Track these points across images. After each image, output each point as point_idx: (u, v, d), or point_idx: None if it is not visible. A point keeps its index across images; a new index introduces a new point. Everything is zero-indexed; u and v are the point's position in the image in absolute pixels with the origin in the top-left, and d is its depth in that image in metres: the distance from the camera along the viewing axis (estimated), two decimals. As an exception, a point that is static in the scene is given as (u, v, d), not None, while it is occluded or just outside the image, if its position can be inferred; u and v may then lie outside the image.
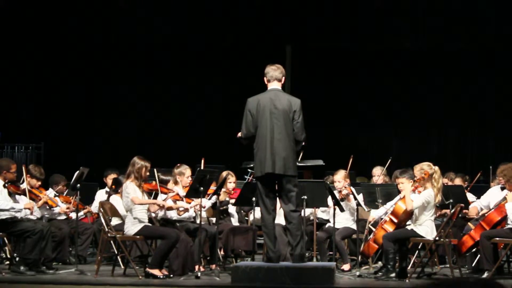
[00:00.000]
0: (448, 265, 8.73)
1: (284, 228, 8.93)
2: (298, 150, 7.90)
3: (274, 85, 7.83)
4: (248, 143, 7.80)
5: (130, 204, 8.39)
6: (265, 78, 7.90)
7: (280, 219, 8.39)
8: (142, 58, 15.01)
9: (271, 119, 7.64)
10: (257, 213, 9.81)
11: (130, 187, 8.38)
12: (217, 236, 8.76)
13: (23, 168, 9.35)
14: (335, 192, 9.20)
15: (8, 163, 8.95)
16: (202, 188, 8.43)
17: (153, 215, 8.82)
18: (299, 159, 9.65)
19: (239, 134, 7.90)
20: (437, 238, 8.33)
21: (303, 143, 7.81)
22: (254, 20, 14.63)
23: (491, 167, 9.86)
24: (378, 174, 10.19)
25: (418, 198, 8.32)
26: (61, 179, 10.12)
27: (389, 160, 10.56)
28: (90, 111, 15.04)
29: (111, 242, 9.18)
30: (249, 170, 10.59)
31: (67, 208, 9.87)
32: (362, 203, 9.17)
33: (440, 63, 14.88)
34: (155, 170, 8.60)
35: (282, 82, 7.89)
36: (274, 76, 7.83)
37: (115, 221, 9.56)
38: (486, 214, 8.81)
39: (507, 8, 13.83)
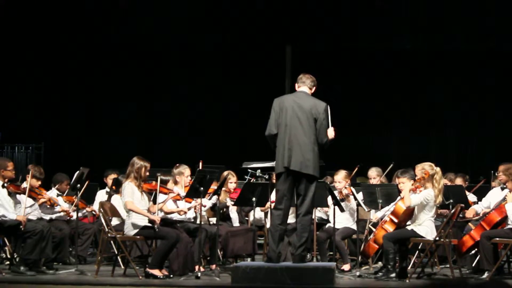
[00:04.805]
0: (448, 265, 8.73)
1: (284, 229, 8.94)
2: (323, 149, 7.84)
3: (302, 89, 7.89)
4: (274, 143, 7.79)
5: (125, 206, 8.40)
6: (296, 84, 8.00)
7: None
8: (142, 59, 15.00)
9: (292, 118, 7.66)
10: (257, 213, 9.83)
11: (128, 188, 8.37)
12: (217, 236, 8.76)
13: (25, 169, 9.36)
14: (335, 193, 9.20)
15: (4, 161, 8.93)
16: (202, 188, 8.43)
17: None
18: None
19: None
20: (437, 238, 8.33)
21: (325, 147, 7.79)
22: (254, 20, 14.62)
23: (492, 171, 9.84)
24: (374, 176, 10.15)
25: (417, 196, 8.33)
26: (64, 178, 10.11)
27: (391, 165, 10.52)
28: (90, 111, 15.03)
29: (111, 242, 9.18)
30: (249, 170, 10.58)
31: (68, 209, 9.85)
32: (362, 203, 9.16)
33: (440, 63, 14.87)
34: (158, 175, 8.58)
35: (312, 91, 7.93)
36: (305, 82, 7.93)
37: (115, 221, 9.57)
38: (486, 214, 8.80)
39: (507, 8, 13.82)
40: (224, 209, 9.61)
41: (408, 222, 8.56)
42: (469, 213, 9.13)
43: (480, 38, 14.36)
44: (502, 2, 13.94)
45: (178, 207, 9.07)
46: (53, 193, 9.92)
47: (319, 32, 14.73)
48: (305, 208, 7.64)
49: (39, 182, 9.42)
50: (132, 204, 8.32)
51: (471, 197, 9.82)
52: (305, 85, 7.91)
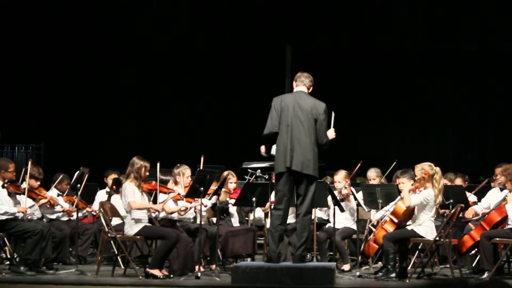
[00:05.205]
0: (448, 265, 8.73)
1: (284, 230, 8.95)
2: (323, 149, 7.82)
3: (300, 88, 7.86)
4: (270, 142, 7.77)
5: (128, 206, 8.39)
6: (294, 82, 7.98)
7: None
8: (142, 58, 15.01)
9: (293, 117, 7.66)
10: (257, 213, 9.83)
11: (129, 188, 8.37)
12: (217, 236, 8.76)
13: (24, 168, 9.35)
14: (335, 192, 9.20)
15: (6, 162, 8.94)
16: (202, 188, 8.43)
17: (153, 215, 8.81)
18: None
19: (262, 149, 7.92)
20: (437, 238, 8.33)
21: (325, 147, 7.79)
22: (254, 20, 14.63)
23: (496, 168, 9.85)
24: (373, 177, 10.14)
25: (417, 195, 8.33)
26: (64, 178, 10.11)
27: (393, 164, 10.52)
28: (90, 111, 15.03)
29: (111, 242, 9.18)
30: (249, 170, 10.58)
31: (69, 208, 9.84)
32: (362, 203, 9.16)
33: (440, 63, 14.87)
34: (158, 164, 8.57)
35: (310, 90, 7.91)
36: (303, 81, 7.91)
37: (115, 221, 9.56)
38: (486, 215, 8.80)
39: (507, 8, 13.82)
40: (225, 206, 9.60)
41: (408, 222, 8.56)
42: (468, 214, 9.13)
43: (480, 38, 14.36)
44: (502, 2, 13.94)
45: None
46: (53, 193, 9.92)
47: (319, 32, 14.72)
48: (305, 208, 7.64)
49: (38, 182, 9.41)
50: (135, 203, 8.33)
51: (472, 198, 9.82)
52: (303, 85, 7.90)
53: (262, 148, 7.96)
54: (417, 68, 14.91)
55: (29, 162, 9.23)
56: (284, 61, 14.94)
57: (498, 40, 14.30)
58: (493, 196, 9.14)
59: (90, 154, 14.00)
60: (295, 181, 7.66)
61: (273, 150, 7.91)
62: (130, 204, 8.33)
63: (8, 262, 9.32)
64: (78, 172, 9.50)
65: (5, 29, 14.36)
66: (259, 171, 10.27)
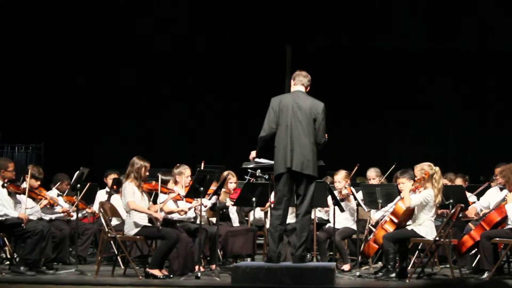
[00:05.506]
0: (448, 265, 8.73)
1: (284, 229, 8.95)
2: (319, 149, 7.83)
3: (298, 88, 7.85)
4: (265, 145, 7.77)
5: (127, 206, 8.39)
6: (292, 81, 7.96)
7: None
8: (142, 58, 15.01)
9: (292, 117, 7.65)
10: (257, 213, 9.83)
11: (128, 188, 8.38)
12: (217, 236, 8.76)
13: (24, 169, 9.36)
14: (335, 193, 9.20)
15: (6, 162, 8.94)
16: (202, 188, 8.43)
17: (158, 224, 8.78)
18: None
19: (253, 154, 7.92)
20: (437, 238, 8.33)
21: (322, 146, 7.79)
22: (254, 20, 14.63)
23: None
24: (373, 177, 10.14)
25: (417, 196, 8.33)
26: (64, 178, 10.11)
27: (393, 166, 10.53)
28: (90, 111, 15.03)
29: (111, 242, 9.18)
30: (249, 170, 10.57)
31: (68, 209, 9.84)
32: (362, 203, 9.16)
33: (440, 63, 14.87)
34: (159, 175, 8.57)
35: (307, 90, 7.90)
36: (302, 81, 7.88)
37: (115, 221, 9.57)
38: (486, 215, 8.80)
39: (507, 8, 13.82)
40: (224, 210, 9.61)
41: (408, 222, 8.56)
42: (470, 213, 9.13)
43: (480, 38, 14.36)
44: (502, 2, 13.94)
45: (178, 207, 9.07)
46: (53, 193, 9.92)
47: (319, 32, 14.73)
48: (304, 208, 7.64)
49: (38, 182, 9.41)
50: (134, 204, 8.33)
51: (472, 198, 9.81)
52: (301, 84, 7.88)
53: (253, 153, 7.97)
54: (417, 68, 14.92)
55: (29, 167, 9.25)
56: (284, 61, 14.94)
57: (498, 40, 14.30)
58: (493, 196, 9.15)
59: (90, 154, 13.99)
60: (295, 181, 7.66)
61: (262, 160, 7.95)
62: (129, 204, 8.33)
63: (8, 262, 9.32)
64: (78, 172, 9.51)
65: (5, 29, 14.36)
66: (259, 171, 10.26)
